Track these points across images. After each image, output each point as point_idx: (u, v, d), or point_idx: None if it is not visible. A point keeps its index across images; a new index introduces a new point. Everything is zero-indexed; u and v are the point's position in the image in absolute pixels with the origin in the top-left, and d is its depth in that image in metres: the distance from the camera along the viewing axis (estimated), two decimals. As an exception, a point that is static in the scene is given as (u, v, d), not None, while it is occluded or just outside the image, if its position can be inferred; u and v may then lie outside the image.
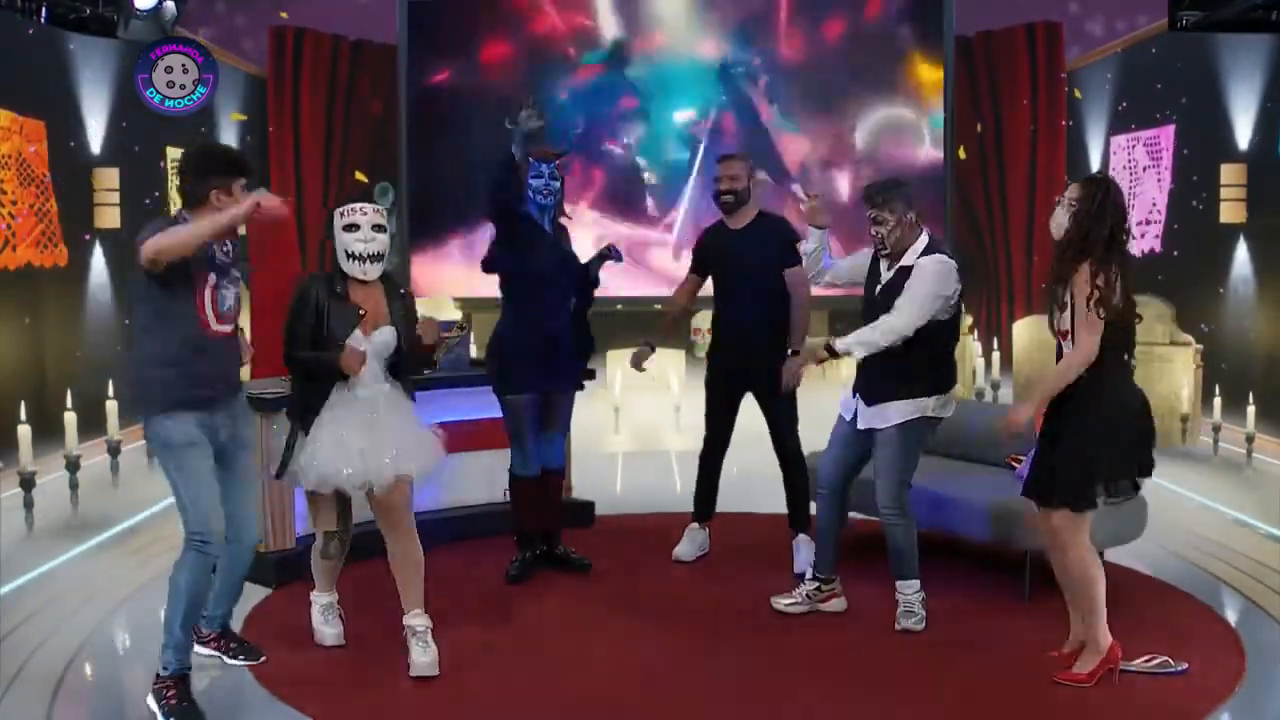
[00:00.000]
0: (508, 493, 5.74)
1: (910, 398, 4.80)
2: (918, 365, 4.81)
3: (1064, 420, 4.26)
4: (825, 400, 5.77)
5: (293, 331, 4.54)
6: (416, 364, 4.86)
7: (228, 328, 4.38)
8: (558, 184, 5.45)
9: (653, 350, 5.96)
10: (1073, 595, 4.41)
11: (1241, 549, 6.09)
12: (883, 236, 4.83)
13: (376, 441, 4.48)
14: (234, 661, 4.65)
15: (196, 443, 4.24)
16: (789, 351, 5.59)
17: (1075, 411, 4.24)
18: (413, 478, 4.59)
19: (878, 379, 4.84)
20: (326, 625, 4.85)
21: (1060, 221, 4.26)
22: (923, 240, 4.85)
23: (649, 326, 6.19)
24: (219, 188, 4.23)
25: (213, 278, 4.27)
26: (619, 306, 11.69)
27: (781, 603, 5.14)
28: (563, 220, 5.57)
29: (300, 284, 4.60)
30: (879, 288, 4.88)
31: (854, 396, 4.97)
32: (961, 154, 13.02)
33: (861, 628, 4.97)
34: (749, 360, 5.62)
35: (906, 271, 4.80)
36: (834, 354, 4.86)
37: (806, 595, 5.13)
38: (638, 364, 5.95)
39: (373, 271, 4.57)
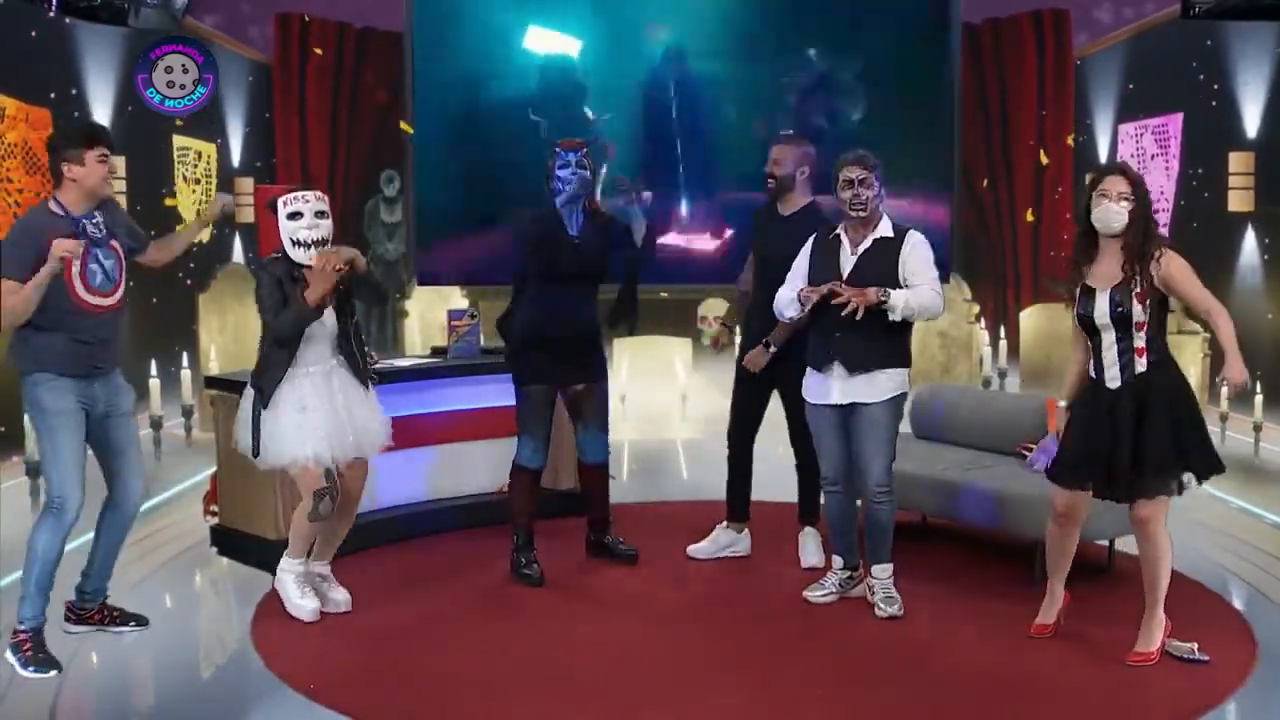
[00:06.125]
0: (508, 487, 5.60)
1: (897, 366, 4.80)
2: (903, 335, 4.84)
3: (1149, 411, 4.25)
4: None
5: (267, 303, 4.68)
6: (367, 299, 4.99)
7: (105, 300, 4.52)
8: (586, 173, 5.28)
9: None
10: (1148, 575, 4.38)
11: (1249, 539, 6.08)
12: (867, 199, 4.80)
13: (339, 422, 4.73)
14: (123, 629, 4.76)
15: (67, 411, 4.44)
16: (763, 343, 5.35)
17: (1167, 401, 4.26)
18: (369, 457, 4.92)
19: (873, 343, 4.74)
20: (303, 599, 4.85)
21: (1114, 214, 4.25)
22: (886, 217, 4.90)
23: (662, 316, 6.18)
24: (67, 160, 4.44)
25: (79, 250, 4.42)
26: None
27: (814, 595, 5.10)
28: (600, 208, 5.46)
29: (262, 268, 4.76)
30: (851, 266, 4.81)
31: (821, 370, 4.86)
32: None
33: (858, 613, 4.96)
34: (780, 353, 5.33)
35: (884, 243, 4.82)
36: (882, 304, 4.66)
37: (839, 584, 5.10)
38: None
39: None
